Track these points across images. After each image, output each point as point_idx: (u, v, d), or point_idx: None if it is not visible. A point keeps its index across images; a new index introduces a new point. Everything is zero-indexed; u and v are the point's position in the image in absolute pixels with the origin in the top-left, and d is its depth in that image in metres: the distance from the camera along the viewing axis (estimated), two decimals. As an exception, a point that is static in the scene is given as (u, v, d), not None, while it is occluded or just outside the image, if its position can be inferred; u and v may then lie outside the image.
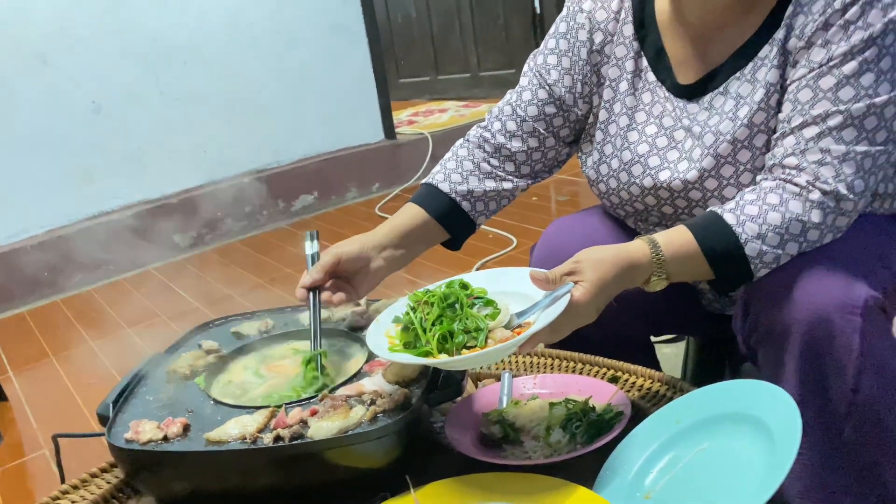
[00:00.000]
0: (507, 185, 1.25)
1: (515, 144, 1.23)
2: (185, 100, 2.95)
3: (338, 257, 1.11)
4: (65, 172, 2.74)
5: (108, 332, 2.34)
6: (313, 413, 0.94)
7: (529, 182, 1.28)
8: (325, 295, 1.10)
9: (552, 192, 3.19)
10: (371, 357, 1.08)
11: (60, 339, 2.34)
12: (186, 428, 0.96)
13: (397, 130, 3.69)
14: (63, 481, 1.07)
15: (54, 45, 2.64)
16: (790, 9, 0.98)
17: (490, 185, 1.24)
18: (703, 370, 1.56)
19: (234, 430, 0.92)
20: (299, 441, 0.90)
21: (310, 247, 1.16)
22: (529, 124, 1.22)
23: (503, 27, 4.43)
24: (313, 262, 1.13)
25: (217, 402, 1.02)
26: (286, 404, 0.97)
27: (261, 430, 0.92)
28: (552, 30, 1.22)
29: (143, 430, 0.95)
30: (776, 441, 0.76)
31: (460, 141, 1.28)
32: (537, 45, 1.27)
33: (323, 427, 0.90)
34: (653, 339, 1.42)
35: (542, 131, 1.22)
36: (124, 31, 2.76)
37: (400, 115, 4.41)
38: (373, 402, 0.95)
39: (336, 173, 3.36)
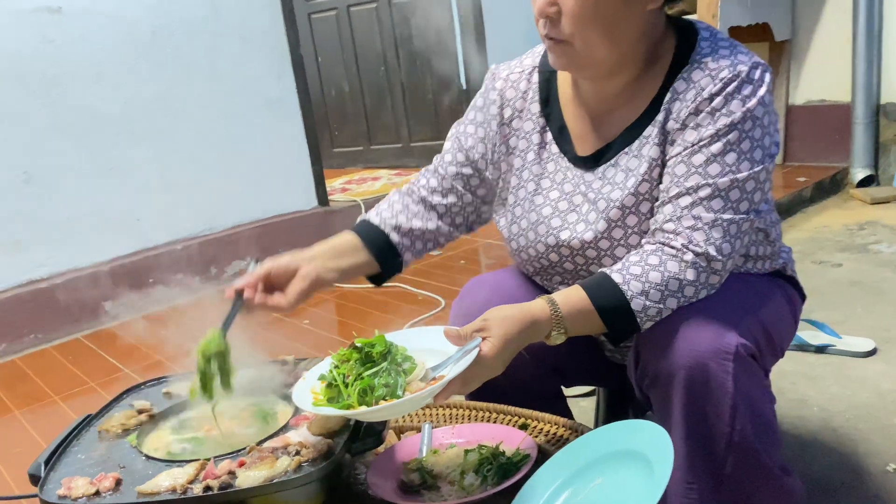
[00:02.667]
0: (431, 226, 1.36)
1: (436, 199, 1.36)
2: (118, 169, 2.99)
3: (268, 268, 1.22)
4: (-8, 241, 2.73)
5: (33, 401, 2.31)
6: (241, 464, 1.00)
7: (452, 230, 1.40)
8: (247, 292, 1.20)
9: (480, 255, 3.32)
10: (297, 412, 1.15)
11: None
12: (118, 482, 1.00)
13: (330, 198, 3.79)
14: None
15: (-15, 116, 2.67)
16: (668, 95, 1.14)
17: (417, 223, 1.35)
18: (612, 418, 1.66)
19: (166, 482, 0.97)
20: (228, 490, 0.95)
21: (252, 267, 1.26)
22: (448, 182, 1.35)
23: (432, 102, 4.65)
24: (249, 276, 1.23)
25: (149, 457, 1.06)
26: (215, 457, 1.02)
27: (191, 482, 0.98)
28: (472, 102, 1.38)
29: (75, 486, 0.99)
30: (654, 469, 0.87)
31: (393, 190, 1.42)
32: (463, 117, 1.42)
33: (250, 476, 0.97)
34: (569, 392, 1.53)
35: (461, 189, 1.36)
36: (57, 103, 2.81)
37: (333, 183, 4.52)
38: (297, 453, 1.01)
39: (269, 240, 3.41)
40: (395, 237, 1.34)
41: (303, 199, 3.61)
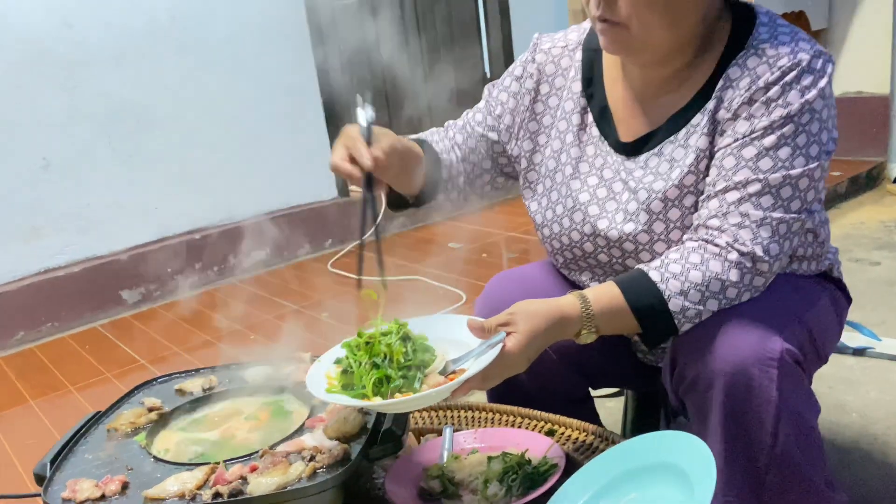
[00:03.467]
0: (461, 173, 1.29)
1: (458, 152, 1.30)
2: (137, 158, 2.96)
3: (394, 146, 1.07)
4: (11, 228, 2.70)
5: (49, 391, 2.28)
6: (253, 469, 0.95)
7: (468, 188, 1.31)
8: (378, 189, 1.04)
9: (502, 249, 3.26)
10: (313, 413, 1.10)
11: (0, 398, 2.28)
12: (125, 486, 0.96)
13: (351, 188, 3.74)
14: (-4, 544, 1.05)
15: (4, 101, 2.64)
16: (721, 83, 1.06)
17: (456, 162, 1.29)
18: (641, 423, 1.60)
19: (174, 487, 0.93)
20: (238, 497, 0.91)
21: (364, 115, 1.05)
22: (473, 141, 1.30)
23: (455, 91, 4.58)
24: (369, 136, 1.05)
25: (157, 459, 1.02)
26: (226, 461, 0.98)
27: (200, 487, 0.93)
28: (510, 68, 1.31)
29: (80, 489, 0.95)
30: (694, 486, 0.81)
31: (431, 129, 1.35)
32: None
33: (262, 483, 0.92)
34: (594, 392, 1.46)
35: (483, 151, 1.30)
36: (76, 89, 2.78)
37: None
38: (312, 458, 0.96)
39: (288, 230, 3.38)
40: (444, 162, 1.27)
41: (323, 189, 3.57)
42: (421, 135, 1.32)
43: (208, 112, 3.12)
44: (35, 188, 2.74)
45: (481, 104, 1.33)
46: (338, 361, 1.00)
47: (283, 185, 3.41)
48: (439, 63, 4.62)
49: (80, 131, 2.81)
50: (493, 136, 1.29)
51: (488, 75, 4.38)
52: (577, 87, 1.22)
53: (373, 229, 1.03)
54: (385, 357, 0.95)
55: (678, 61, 1.10)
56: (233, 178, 3.24)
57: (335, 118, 3.56)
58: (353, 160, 1.04)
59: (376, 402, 0.91)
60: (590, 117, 1.21)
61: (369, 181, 1.03)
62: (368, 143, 1.04)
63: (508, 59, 4.23)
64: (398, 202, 1.26)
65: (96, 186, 2.87)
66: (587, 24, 1.24)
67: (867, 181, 3.63)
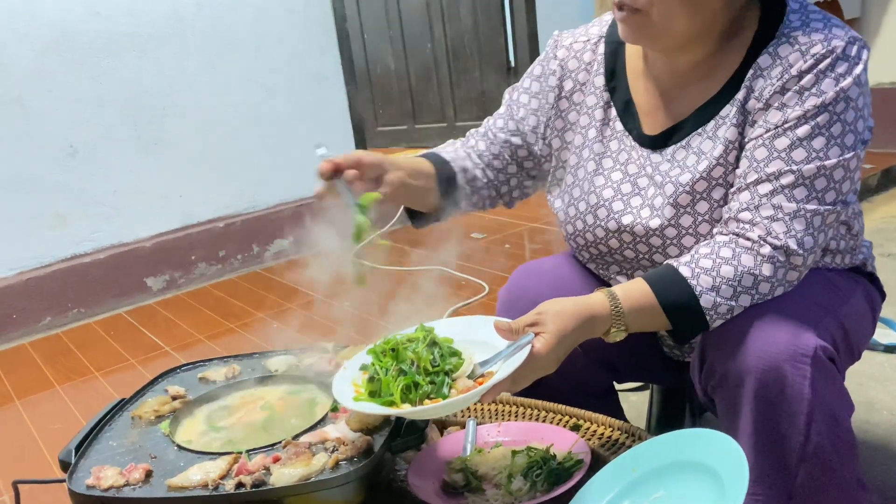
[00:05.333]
0: (485, 184, 1.29)
1: (481, 162, 1.29)
2: (162, 145, 2.97)
3: (359, 156, 1.11)
4: (37, 215, 2.73)
5: (75, 376, 2.31)
6: (276, 460, 0.95)
7: (494, 197, 1.32)
8: (348, 173, 1.08)
9: (525, 240, 3.23)
10: (336, 404, 1.09)
11: (26, 382, 2.30)
12: (149, 474, 0.96)
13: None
14: (21, 529, 1.06)
15: (31, 88, 2.66)
16: (751, 72, 1.03)
17: (478, 174, 1.28)
18: (666, 418, 1.58)
19: (196, 477, 0.93)
20: (261, 488, 0.90)
21: (321, 150, 1.15)
22: (497, 147, 1.28)
23: (479, 80, 4.54)
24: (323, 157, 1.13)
25: (181, 447, 1.02)
26: (249, 451, 0.97)
27: (223, 477, 0.93)
28: (529, 69, 1.29)
29: (104, 476, 0.95)
30: (725, 487, 0.79)
31: (451, 140, 1.34)
32: (511, 98, 1.33)
33: (285, 474, 0.91)
34: (617, 386, 1.44)
35: (507, 157, 1.28)
36: (102, 76, 2.79)
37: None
38: (335, 449, 0.96)
39: (312, 219, 3.38)
40: (461, 178, 1.26)
41: (346, 178, 3.56)
42: (438, 149, 1.30)
43: (232, 99, 3.12)
44: (62, 175, 2.76)
45: (502, 110, 1.30)
46: (363, 368, 1.00)
47: (306, 173, 3.40)
48: (463, 53, 4.59)
49: (106, 118, 2.82)
50: (517, 140, 1.27)
51: (513, 65, 4.34)
52: (600, 80, 1.19)
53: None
54: (412, 363, 0.94)
55: (701, 49, 1.07)
56: (257, 166, 3.24)
57: (358, 107, 3.55)
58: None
59: (406, 410, 0.91)
60: (613, 111, 1.18)
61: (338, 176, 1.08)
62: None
63: (534, 49, 4.18)
64: (421, 218, 1.27)
65: (122, 173, 2.89)
66: (608, 17, 1.22)
67: (899, 174, 3.55)
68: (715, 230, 1.05)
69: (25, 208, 2.70)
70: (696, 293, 0.98)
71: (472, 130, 1.33)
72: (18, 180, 2.67)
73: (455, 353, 0.98)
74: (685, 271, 1.00)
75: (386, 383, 0.93)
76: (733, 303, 0.99)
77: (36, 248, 2.75)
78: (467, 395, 0.90)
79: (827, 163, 0.98)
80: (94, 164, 2.82)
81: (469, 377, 0.95)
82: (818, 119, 0.97)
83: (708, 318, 0.99)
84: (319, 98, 3.39)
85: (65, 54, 2.70)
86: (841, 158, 0.98)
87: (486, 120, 1.33)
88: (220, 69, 3.07)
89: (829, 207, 0.99)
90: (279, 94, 3.25)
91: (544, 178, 1.30)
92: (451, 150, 1.30)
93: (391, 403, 0.92)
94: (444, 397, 0.91)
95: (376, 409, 0.92)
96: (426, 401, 0.91)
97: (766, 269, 0.98)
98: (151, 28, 2.87)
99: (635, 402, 1.84)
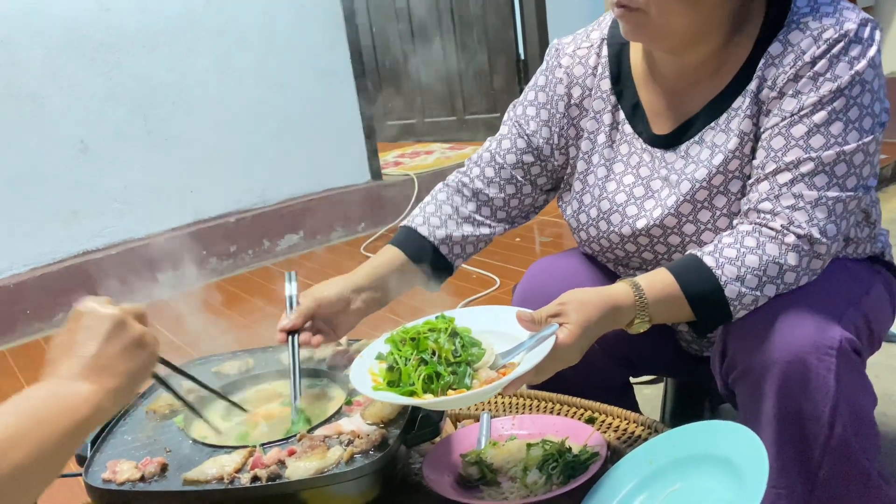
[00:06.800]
0: (485, 231, 1.27)
1: (493, 191, 1.26)
2: (173, 140, 2.98)
3: (317, 301, 1.12)
4: (50, 211, 2.75)
5: (88, 372, 2.32)
6: (291, 453, 0.94)
7: (506, 227, 1.30)
8: (303, 336, 1.11)
9: (535, 233, 3.22)
10: (350, 397, 1.08)
11: (40, 378, 2.31)
12: (164, 468, 0.96)
13: (383, 171, 3.73)
14: (38, 522, 1.06)
15: (44, 85, 2.67)
16: (762, 61, 1.02)
17: (468, 229, 1.26)
18: (682, 411, 1.57)
19: (212, 470, 0.92)
20: (276, 481, 0.90)
21: (288, 288, 1.16)
22: (507, 171, 1.25)
23: (488, 73, 4.53)
24: (292, 304, 1.14)
25: (195, 441, 1.02)
26: (264, 444, 0.97)
27: (238, 470, 0.92)
28: (532, 82, 1.26)
29: (120, 469, 0.95)
30: (745, 481, 0.78)
31: (440, 185, 1.31)
32: (521, 91, 1.30)
33: (300, 467, 0.91)
34: (632, 380, 1.43)
35: (520, 179, 1.25)
36: (113, 72, 2.80)
37: (386, 157, 4.45)
38: (350, 443, 0.95)
39: (322, 213, 3.38)
40: (444, 249, 1.25)
41: (356, 173, 3.56)
42: (411, 221, 1.27)
43: (242, 95, 3.13)
44: (74, 171, 2.77)
45: (504, 130, 1.26)
46: (380, 357, 0.99)
47: (316, 168, 3.41)
48: (472, 46, 4.57)
49: (117, 114, 2.83)
50: (529, 157, 1.24)
51: (522, 57, 4.32)
52: (606, 84, 1.17)
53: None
54: (433, 353, 0.93)
55: (706, 45, 1.05)
56: (267, 162, 3.25)
57: (367, 101, 3.54)
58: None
59: (429, 400, 0.90)
60: (621, 114, 1.17)
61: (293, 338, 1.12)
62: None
63: (543, 41, 4.16)
64: (433, 279, 1.26)
65: (133, 170, 2.90)
66: (605, 19, 1.20)
67: (914, 164, 3.52)
68: (735, 221, 1.04)
69: (38, 205, 2.71)
70: (721, 283, 0.97)
71: (475, 158, 1.28)
72: (31, 177, 2.69)
73: (475, 344, 0.97)
74: (709, 261, 0.99)
75: (406, 373, 0.92)
76: (758, 293, 0.97)
77: (48, 244, 2.76)
78: (491, 387, 0.89)
79: (846, 148, 0.96)
80: (106, 160, 2.83)
81: (491, 368, 0.94)
82: (834, 104, 0.96)
83: (732, 308, 0.98)
84: (329, 93, 3.39)
85: (76, 51, 2.71)
86: (860, 142, 0.97)
87: (487, 143, 1.28)
88: (229, 65, 3.07)
89: (851, 193, 0.98)
90: (289, 89, 3.25)
91: (558, 188, 1.28)
92: (432, 211, 1.26)
93: (412, 393, 0.91)
94: (467, 388, 0.90)
95: (398, 399, 0.91)
96: (448, 391, 0.90)
97: (792, 259, 0.97)
98: (162, 24, 2.88)
99: (649, 395, 1.83)
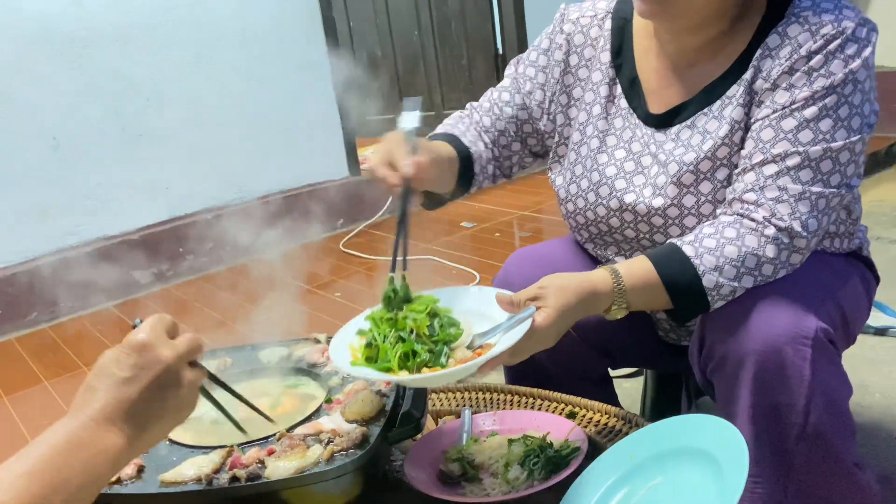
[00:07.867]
0: (490, 159, 1.27)
1: (487, 138, 1.27)
2: (147, 136, 2.93)
3: (433, 161, 1.06)
4: (20, 209, 2.69)
5: (63, 372, 2.28)
6: (270, 453, 0.93)
7: (497, 173, 1.31)
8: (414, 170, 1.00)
9: (515, 228, 3.23)
10: (330, 395, 1.08)
11: (14, 378, 2.28)
12: (141, 469, 0.94)
13: (362, 167, 3.71)
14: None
15: (13, 80, 2.62)
16: (759, 52, 1.03)
17: (485, 152, 1.26)
18: (662, 404, 1.58)
19: (190, 471, 0.91)
20: (256, 481, 0.89)
21: (411, 118, 1.08)
22: (503, 123, 1.27)
23: (466, 67, 4.52)
24: (413, 143, 1.04)
25: (173, 441, 1.00)
26: (241, 444, 0.96)
27: (217, 471, 0.91)
28: (536, 42, 1.27)
29: (95, 472, 0.93)
30: (725, 474, 0.78)
31: (456, 113, 1.32)
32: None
33: (280, 467, 0.90)
34: (612, 373, 1.44)
35: (512, 133, 1.27)
36: (85, 66, 2.75)
37: (365, 152, 4.43)
38: (330, 441, 0.95)
39: (301, 209, 3.35)
40: (476, 153, 1.23)
41: (334, 168, 3.54)
42: (449, 128, 1.27)
43: (218, 90, 3.09)
44: (45, 168, 2.72)
45: (506, 82, 1.28)
46: (360, 333, 0.98)
47: (294, 164, 3.38)
48: (451, 40, 4.56)
49: (89, 110, 2.78)
50: (524, 115, 1.26)
51: (500, 51, 4.31)
52: (606, 57, 1.18)
53: (401, 234, 1.01)
54: (411, 331, 0.92)
55: (714, 28, 1.06)
56: (243, 157, 3.21)
57: (345, 96, 3.52)
58: (392, 165, 1.03)
59: (404, 377, 0.90)
60: (618, 88, 1.18)
61: (406, 188, 1.01)
62: (412, 150, 1.03)
63: (521, 35, 4.16)
64: (432, 200, 1.24)
65: (106, 166, 2.85)
66: None
67: (886, 158, 3.58)
68: (718, 211, 1.05)
69: (9, 202, 2.66)
70: (699, 273, 0.98)
71: (474, 104, 1.31)
72: (1, 174, 2.63)
73: (454, 324, 0.96)
74: (689, 250, 0.99)
75: (384, 350, 0.92)
76: (736, 284, 0.98)
77: (21, 242, 2.71)
78: (466, 366, 0.89)
79: (833, 145, 0.97)
80: (78, 156, 2.78)
81: (468, 348, 0.94)
82: (826, 100, 0.97)
83: (710, 298, 0.99)
84: (306, 87, 3.36)
85: (46, 46, 2.66)
86: (847, 141, 0.98)
87: (488, 93, 1.30)
88: (205, 59, 3.03)
89: (834, 190, 0.99)
90: (265, 83, 3.22)
91: (546, 155, 1.29)
92: (462, 128, 1.27)
93: (388, 370, 0.91)
94: (443, 367, 0.90)
95: (374, 374, 0.91)
96: (424, 369, 0.90)
97: (770, 251, 0.98)
98: (135, 18, 2.83)
99: (629, 388, 1.84)
